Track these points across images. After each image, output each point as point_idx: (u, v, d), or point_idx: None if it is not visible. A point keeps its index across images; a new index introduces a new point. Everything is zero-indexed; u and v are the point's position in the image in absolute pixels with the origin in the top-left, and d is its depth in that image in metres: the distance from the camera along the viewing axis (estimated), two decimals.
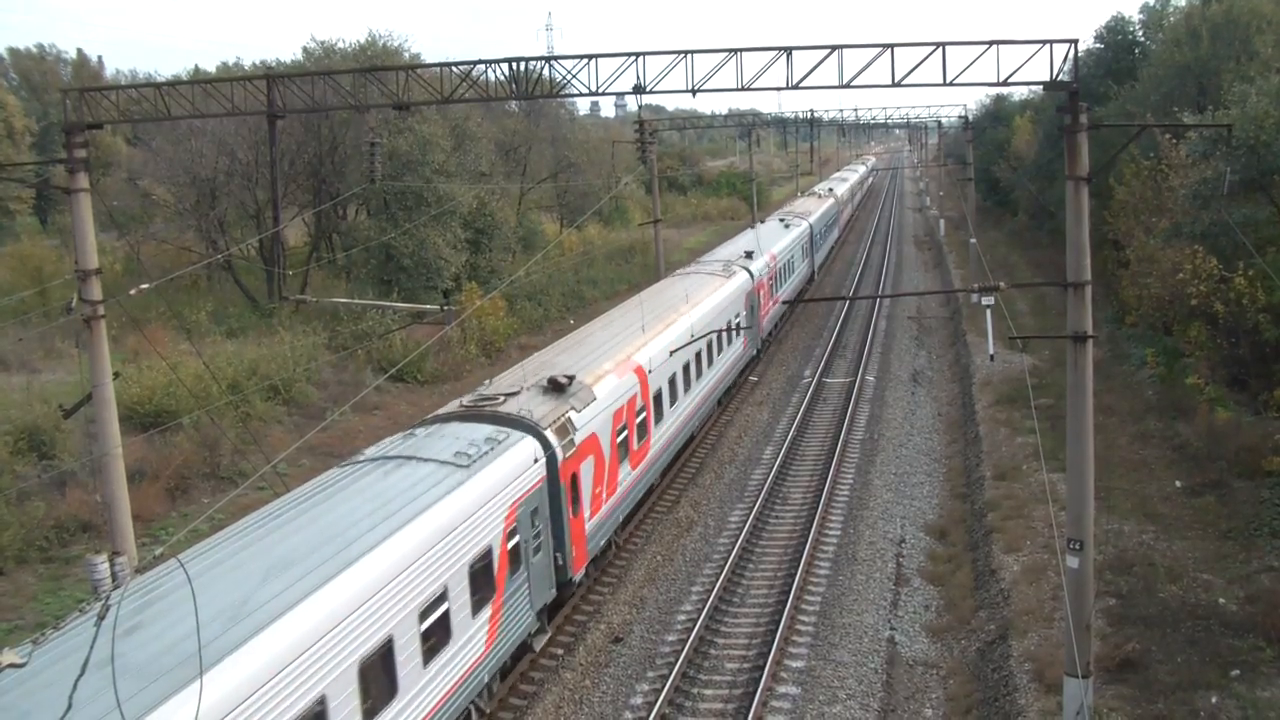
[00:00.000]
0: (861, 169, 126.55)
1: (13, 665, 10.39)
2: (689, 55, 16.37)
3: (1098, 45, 51.79)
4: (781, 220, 56.43)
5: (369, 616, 12.54)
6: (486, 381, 22.61)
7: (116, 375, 18.70)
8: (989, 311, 16.35)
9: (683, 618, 20.79)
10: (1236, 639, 17.25)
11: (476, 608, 15.80)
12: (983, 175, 70.66)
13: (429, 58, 67.10)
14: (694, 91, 16.53)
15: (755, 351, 39.99)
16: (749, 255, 40.84)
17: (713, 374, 31.80)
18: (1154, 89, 38.67)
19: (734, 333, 34.33)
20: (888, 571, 22.41)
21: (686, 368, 28.39)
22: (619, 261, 65.51)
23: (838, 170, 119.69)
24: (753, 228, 51.91)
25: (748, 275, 38.13)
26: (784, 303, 48.04)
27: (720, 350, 32.65)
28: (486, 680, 16.43)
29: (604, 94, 17.56)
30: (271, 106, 18.56)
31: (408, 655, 13.46)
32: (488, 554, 16.26)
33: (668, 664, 18.81)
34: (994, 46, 14.63)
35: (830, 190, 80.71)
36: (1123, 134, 25.35)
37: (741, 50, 16.10)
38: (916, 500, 26.55)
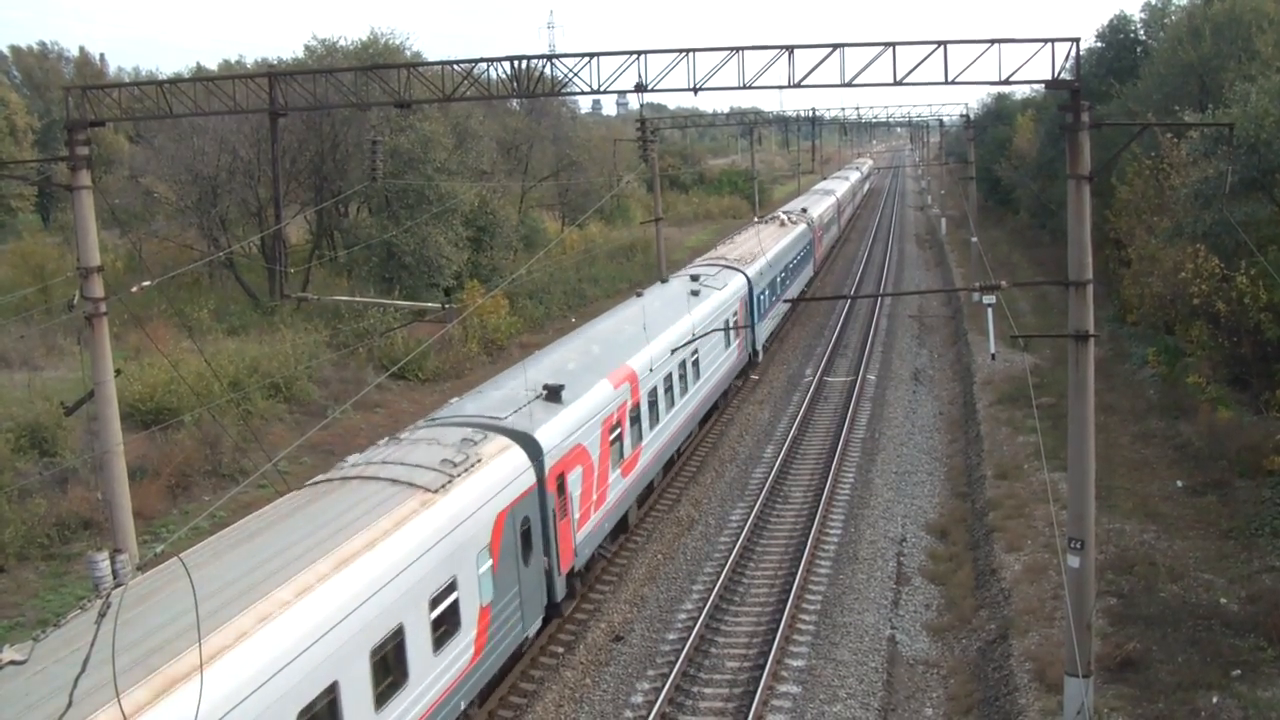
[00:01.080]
0: (855, 175, 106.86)
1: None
2: (691, 54, 16.37)
3: (1099, 44, 51.73)
4: (693, 281, 33.73)
5: None
6: None
7: (118, 373, 18.70)
8: (990, 310, 16.39)
9: (683, 616, 20.80)
10: (1238, 639, 17.25)
11: None
12: (984, 174, 70.64)
13: (430, 56, 67.31)
14: (696, 90, 16.53)
15: (531, 632, 18.45)
16: (554, 395, 20.31)
17: None
18: (1156, 88, 38.61)
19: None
20: (889, 570, 22.41)
21: None
22: (620, 260, 65.59)
23: (824, 179, 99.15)
24: (641, 295, 32.34)
25: (524, 460, 17.86)
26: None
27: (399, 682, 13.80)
28: None
29: (606, 92, 17.57)
30: (273, 104, 18.57)
31: None
32: None
33: (668, 662, 18.82)
34: (995, 45, 14.61)
35: (803, 211, 60.27)
36: (1124, 133, 25.38)
37: (743, 49, 16.08)
38: (917, 499, 26.54)
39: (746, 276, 37.27)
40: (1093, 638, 15.18)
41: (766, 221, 53.77)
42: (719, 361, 32.36)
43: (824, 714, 17.17)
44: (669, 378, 26.76)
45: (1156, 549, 20.95)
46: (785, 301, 44.45)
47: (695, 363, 29.37)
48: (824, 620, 20.28)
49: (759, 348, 39.45)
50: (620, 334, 26.42)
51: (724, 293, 34.08)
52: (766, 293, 40.46)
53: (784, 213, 58.84)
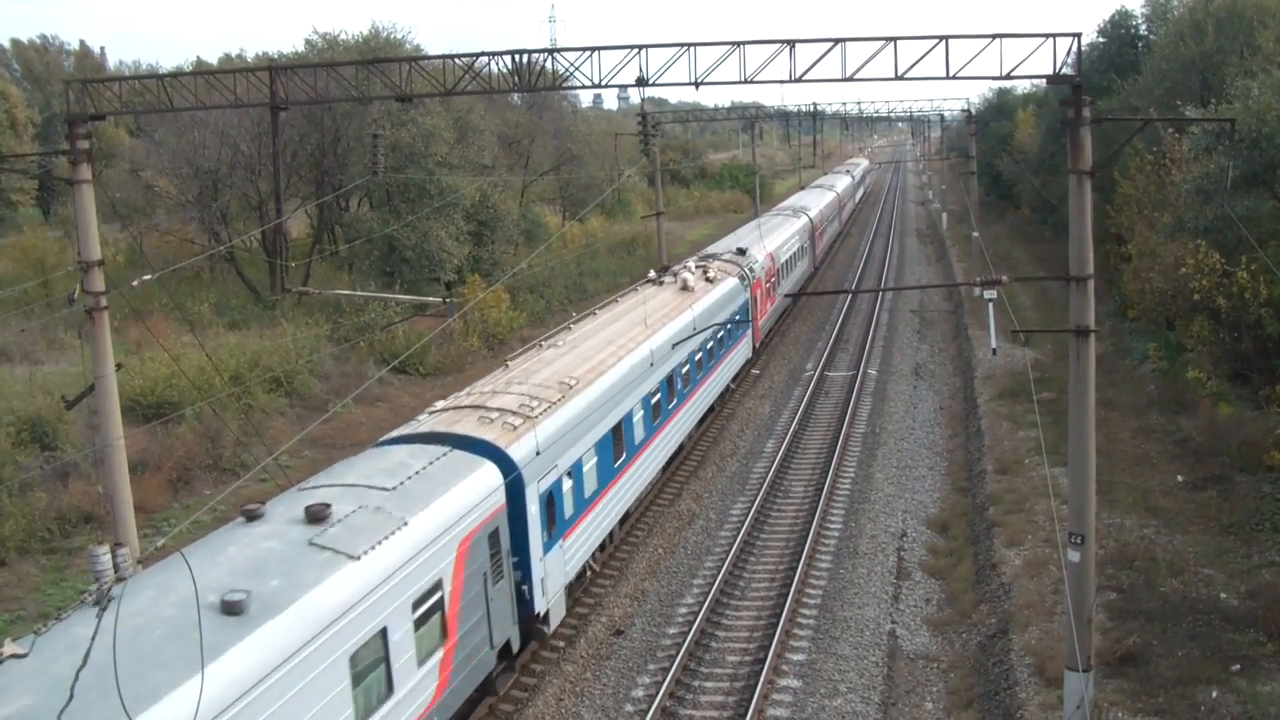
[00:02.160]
0: (844, 181, 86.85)
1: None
2: (692, 48, 16.34)
3: (1101, 39, 51.67)
4: (311, 527, 13.08)
5: None
6: None
7: (119, 367, 18.72)
8: (991, 305, 16.31)
9: (684, 610, 20.82)
10: (1237, 633, 17.27)
11: None
12: (985, 169, 70.66)
13: (432, 50, 67.13)
14: (697, 84, 16.50)
15: None
16: None
17: None
18: (1157, 83, 38.56)
19: None
20: (889, 565, 22.43)
21: None
22: (621, 254, 65.60)
23: (803, 188, 79.22)
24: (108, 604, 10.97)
25: None
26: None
27: None
28: None
29: (607, 86, 17.58)
30: (274, 98, 18.55)
31: None
32: None
33: (669, 656, 18.85)
34: (997, 40, 14.60)
35: (739, 252, 38.32)
36: (1126, 128, 25.33)
37: (744, 43, 16.07)
38: (918, 494, 26.55)
39: (510, 465, 16.85)
40: (1093, 632, 15.20)
41: (664, 280, 32.38)
42: None
43: (824, 708, 17.20)
44: None
45: (1157, 544, 20.97)
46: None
47: None
48: (824, 615, 20.30)
49: (542, 610, 18.04)
50: None
51: (402, 542, 13.76)
52: (587, 468, 20.33)
53: (697, 263, 35.47)
